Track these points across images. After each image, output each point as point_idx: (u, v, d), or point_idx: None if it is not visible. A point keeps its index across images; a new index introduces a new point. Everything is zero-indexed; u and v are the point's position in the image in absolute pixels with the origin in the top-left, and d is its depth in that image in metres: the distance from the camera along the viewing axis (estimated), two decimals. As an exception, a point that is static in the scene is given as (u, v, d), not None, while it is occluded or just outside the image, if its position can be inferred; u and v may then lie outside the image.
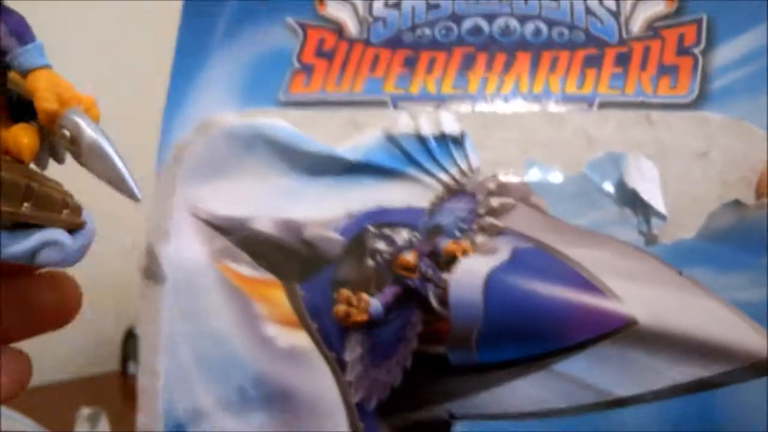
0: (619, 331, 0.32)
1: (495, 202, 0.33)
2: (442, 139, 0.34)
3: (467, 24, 0.36)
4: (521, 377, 0.32)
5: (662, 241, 0.32)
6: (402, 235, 0.33)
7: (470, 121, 0.34)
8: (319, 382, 0.32)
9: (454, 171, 0.34)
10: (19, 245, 0.20)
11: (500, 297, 0.32)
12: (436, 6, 0.36)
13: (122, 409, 1.00)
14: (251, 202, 0.34)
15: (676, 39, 0.35)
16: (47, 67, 0.23)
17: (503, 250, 0.33)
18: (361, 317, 0.33)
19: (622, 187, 0.32)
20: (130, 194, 0.22)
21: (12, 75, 0.23)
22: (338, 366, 0.33)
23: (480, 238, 0.33)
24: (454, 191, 0.33)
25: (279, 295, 0.33)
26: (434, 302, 0.33)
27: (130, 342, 1.05)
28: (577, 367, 0.32)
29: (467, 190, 0.33)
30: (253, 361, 0.33)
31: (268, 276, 0.34)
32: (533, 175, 0.33)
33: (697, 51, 0.34)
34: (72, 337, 1.03)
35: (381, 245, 0.33)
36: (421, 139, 0.34)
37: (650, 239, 0.32)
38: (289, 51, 0.36)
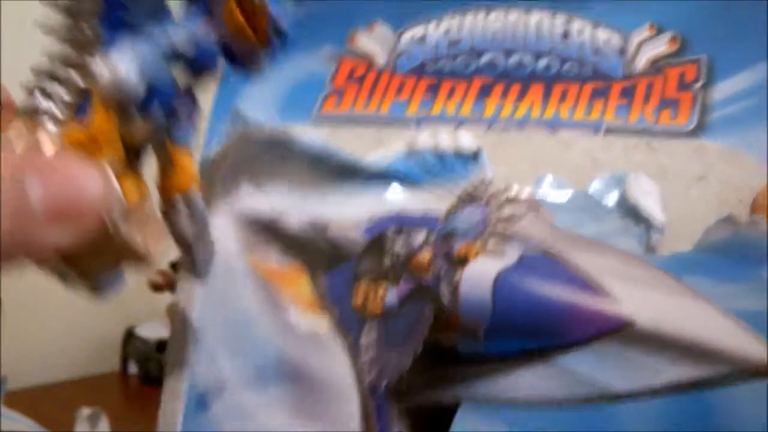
0: (618, 330, 0.32)
1: (506, 211, 0.34)
2: (460, 153, 0.35)
3: (485, 58, 0.37)
4: (525, 368, 0.32)
5: (662, 252, 0.33)
6: (418, 238, 0.34)
7: (486, 140, 0.35)
8: (335, 364, 0.32)
9: (469, 182, 0.35)
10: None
11: (508, 296, 0.33)
12: (457, 41, 0.38)
13: (122, 409, 0.97)
14: (283, 202, 0.35)
15: (678, 76, 0.36)
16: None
17: (512, 254, 0.33)
18: (377, 308, 0.34)
19: (624, 201, 0.33)
20: (199, 273, 0.27)
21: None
22: (354, 349, 0.33)
23: (491, 243, 0.33)
24: (469, 200, 0.34)
25: (304, 283, 0.34)
26: (445, 299, 0.33)
27: (130, 342, 1.04)
28: (578, 362, 0.32)
29: (481, 199, 0.34)
30: (275, 342, 0.33)
31: (295, 266, 0.34)
32: (542, 190, 0.34)
33: (696, 87, 0.36)
34: (72, 337, 0.99)
35: (398, 245, 0.34)
36: (440, 153, 0.35)
37: (649, 249, 0.33)
38: (323, 76, 0.38)
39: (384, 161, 0.34)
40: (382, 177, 0.34)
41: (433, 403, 0.31)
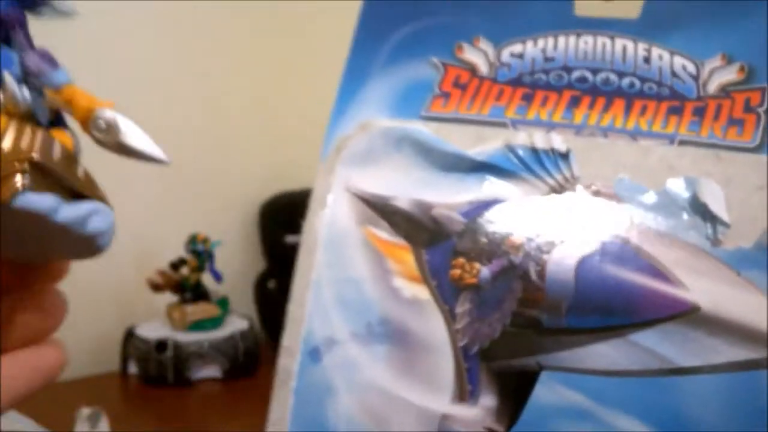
0: (684, 313, 0.35)
1: (590, 204, 0.38)
2: (552, 152, 0.39)
3: (575, 74, 0.41)
4: (600, 342, 0.35)
5: (725, 247, 0.36)
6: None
7: (574, 143, 0.39)
8: (432, 327, 0.36)
9: (559, 177, 0.38)
10: (75, 210, 0.22)
11: (588, 277, 0.36)
12: (552, 59, 0.42)
13: (122, 409, 0.93)
14: (394, 185, 0.39)
15: (744, 100, 0.39)
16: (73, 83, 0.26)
17: (594, 242, 0.37)
18: (472, 281, 0.37)
19: (695, 201, 0.37)
20: (160, 159, 0.25)
21: (47, 93, 0.25)
22: (450, 316, 0.37)
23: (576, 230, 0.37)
24: (557, 192, 0.38)
25: (407, 256, 0.38)
26: (534, 276, 0.37)
27: (130, 342, 1.02)
28: (647, 338, 0.35)
29: (567, 193, 0.38)
30: (381, 305, 0.37)
31: (401, 241, 0.38)
32: (622, 188, 0.38)
33: (761, 110, 0.39)
34: (72, 337, 1.04)
35: (494, 227, 0.38)
36: (535, 151, 0.39)
37: (715, 243, 0.36)
38: (431, 81, 0.42)
39: (484, 154, 0.38)
40: (481, 168, 0.38)
41: (518, 367, 0.35)
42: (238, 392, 0.98)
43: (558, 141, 0.37)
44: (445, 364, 0.35)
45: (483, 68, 0.41)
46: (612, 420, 0.33)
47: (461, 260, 0.36)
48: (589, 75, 0.40)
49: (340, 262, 0.37)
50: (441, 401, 0.34)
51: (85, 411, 0.70)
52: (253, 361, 1.04)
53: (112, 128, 0.25)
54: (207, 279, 1.09)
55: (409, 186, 0.38)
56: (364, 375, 0.35)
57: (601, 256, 0.35)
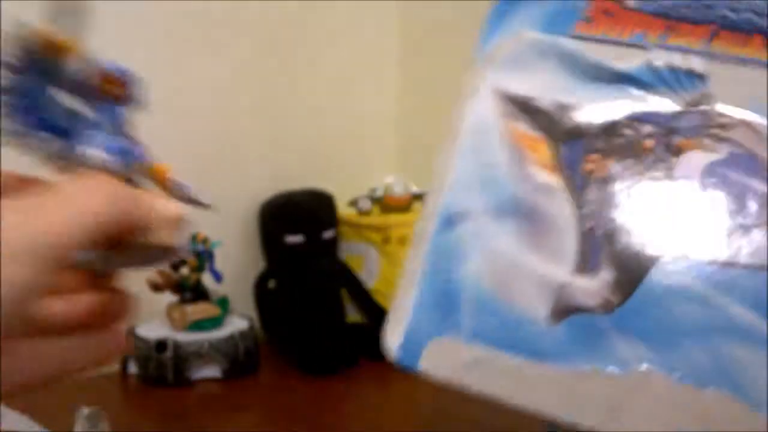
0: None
1: (723, 118, 0.40)
2: (689, 72, 0.41)
3: (717, 11, 0.44)
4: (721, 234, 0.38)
5: None
6: (646, 128, 0.41)
7: (711, 67, 0.42)
8: (560, 209, 0.38)
9: (694, 93, 0.41)
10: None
11: (714, 179, 0.39)
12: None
13: (122, 409, 0.90)
14: (539, 88, 0.42)
15: None
16: None
17: (723, 152, 0.39)
18: (603, 174, 0.40)
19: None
20: (208, 203, 0.33)
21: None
22: (578, 202, 0.39)
23: (706, 141, 0.39)
24: (693, 107, 0.41)
25: (544, 148, 0.40)
26: (662, 175, 0.39)
27: (129, 342, 0.96)
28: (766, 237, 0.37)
29: (702, 108, 0.40)
30: (515, 187, 0.39)
31: (539, 135, 0.41)
32: (755, 107, 0.40)
33: None
34: None
35: (628, 131, 0.41)
36: (673, 69, 0.41)
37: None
38: (580, 8, 0.46)
39: (625, 68, 0.41)
40: (622, 80, 0.41)
41: (638, 251, 0.37)
42: (237, 392, 0.97)
43: (696, 62, 0.40)
44: (569, 241, 0.37)
45: (629, 2, 0.44)
46: (724, 307, 0.35)
47: (595, 156, 0.39)
48: (730, 13, 0.42)
49: (481, 147, 0.40)
50: (562, 272, 0.37)
51: (85, 411, 0.68)
52: (252, 361, 1.04)
53: (182, 188, 0.33)
54: (207, 279, 1.09)
55: (553, 90, 0.41)
56: (493, 244, 0.38)
57: (726, 163, 0.37)
